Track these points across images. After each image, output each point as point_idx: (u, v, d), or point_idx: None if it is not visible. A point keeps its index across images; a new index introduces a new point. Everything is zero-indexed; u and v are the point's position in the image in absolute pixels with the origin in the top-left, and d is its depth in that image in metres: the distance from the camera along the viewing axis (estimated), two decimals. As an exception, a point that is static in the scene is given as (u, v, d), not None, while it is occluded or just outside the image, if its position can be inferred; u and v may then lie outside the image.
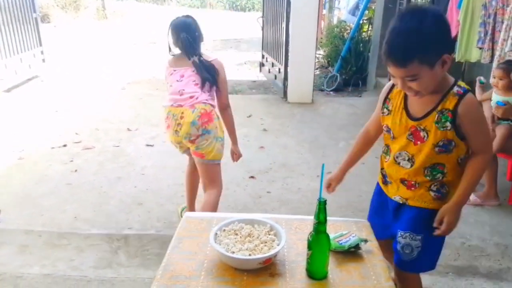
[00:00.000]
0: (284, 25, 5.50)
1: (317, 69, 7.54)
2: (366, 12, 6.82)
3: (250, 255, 1.39)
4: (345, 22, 7.64)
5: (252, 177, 3.45)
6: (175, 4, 26.06)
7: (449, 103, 1.42)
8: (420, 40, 1.31)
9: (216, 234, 1.48)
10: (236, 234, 1.50)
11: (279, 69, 5.96)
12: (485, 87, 3.23)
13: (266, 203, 3.05)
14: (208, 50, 10.65)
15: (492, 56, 3.88)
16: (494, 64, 3.55)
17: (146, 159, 3.78)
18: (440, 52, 1.36)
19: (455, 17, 4.32)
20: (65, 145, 4.03)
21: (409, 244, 1.60)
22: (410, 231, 1.59)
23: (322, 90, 6.34)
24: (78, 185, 3.27)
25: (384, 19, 5.69)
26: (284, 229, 1.53)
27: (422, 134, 1.49)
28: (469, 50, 4.17)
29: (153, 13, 19.18)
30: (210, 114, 2.35)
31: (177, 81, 2.38)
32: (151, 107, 5.37)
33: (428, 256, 1.63)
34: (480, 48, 4.01)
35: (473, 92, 1.50)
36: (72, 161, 3.70)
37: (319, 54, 8.26)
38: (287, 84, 5.59)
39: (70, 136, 4.26)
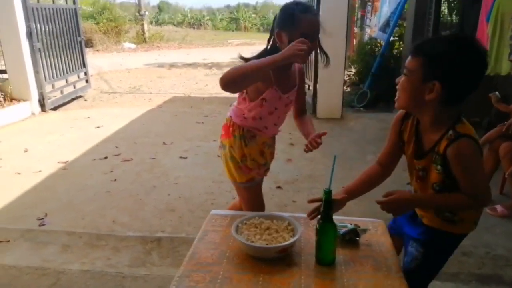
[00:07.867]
0: (313, 43, 5.66)
1: (348, 86, 7.60)
2: (397, 29, 6.88)
3: (267, 245, 1.50)
4: (376, 39, 7.71)
5: (278, 187, 3.56)
6: (211, 28, 26.99)
7: (441, 146, 1.38)
8: (438, 52, 1.29)
9: (237, 226, 1.61)
10: (256, 227, 1.62)
11: (309, 85, 6.10)
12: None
13: (291, 211, 3.13)
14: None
15: (523, 68, 3.87)
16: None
17: (180, 170, 3.98)
18: (436, 75, 1.28)
19: (485, 30, 4.33)
20: (105, 157, 4.31)
21: (412, 252, 1.60)
22: (417, 241, 1.59)
23: (352, 107, 6.40)
24: (117, 193, 3.49)
25: (414, 35, 5.73)
26: (302, 226, 1.64)
27: (421, 173, 1.49)
28: (499, 63, 4.16)
29: (189, 37, 19.97)
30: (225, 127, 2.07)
31: None
32: (185, 122, 5.65)
33: (422, 273, 1.61)
34: (511, 61, 4.01)
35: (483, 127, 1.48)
36: (112, 171, 3.95)
37: (350, 72, 8.33)
38: (316, 100, 5.71)
39: (111, 150, 4.54)
